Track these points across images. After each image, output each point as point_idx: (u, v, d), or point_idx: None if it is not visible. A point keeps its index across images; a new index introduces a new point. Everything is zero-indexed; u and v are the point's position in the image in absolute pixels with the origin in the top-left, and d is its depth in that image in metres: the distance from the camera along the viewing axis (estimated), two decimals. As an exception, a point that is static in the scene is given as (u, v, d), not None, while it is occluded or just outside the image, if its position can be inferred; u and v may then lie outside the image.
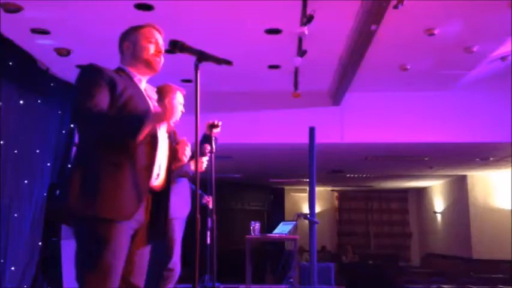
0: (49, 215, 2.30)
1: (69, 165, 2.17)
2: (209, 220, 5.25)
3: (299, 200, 14.97)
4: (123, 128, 2.08)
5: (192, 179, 3.23)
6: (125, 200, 2.09)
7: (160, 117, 2.14)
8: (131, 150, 2.13)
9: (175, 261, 3.38)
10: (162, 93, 3.26)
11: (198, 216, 2.25)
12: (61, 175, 6.05)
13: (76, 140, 6.25)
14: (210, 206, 4.80)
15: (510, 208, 10.50)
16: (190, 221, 3.08)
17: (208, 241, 5.36)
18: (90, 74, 2.18)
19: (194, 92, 2.21)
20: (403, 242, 15.07)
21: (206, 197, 4.84)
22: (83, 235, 2.09)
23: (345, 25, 4.77)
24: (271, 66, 5.99)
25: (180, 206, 3.43)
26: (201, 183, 2.34)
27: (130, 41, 2.36)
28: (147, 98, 2.30)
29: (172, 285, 3.35)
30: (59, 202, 2.17)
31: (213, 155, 3.43)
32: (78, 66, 5.46)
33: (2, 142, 4.95)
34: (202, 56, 2.26)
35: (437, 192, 13.56)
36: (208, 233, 5.36)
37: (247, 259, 5.33)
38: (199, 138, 2.25)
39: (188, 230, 3.40)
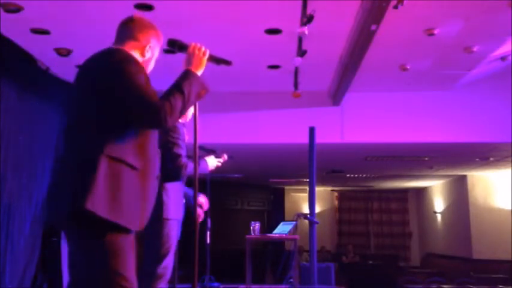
0: (52, 217, 2.02)
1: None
2: (209, 220, 5.27)
3: (299, 200, 14.95)
4: (194, 93, 2.04)
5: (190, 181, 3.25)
6: (144, 211, 1.99)
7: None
8: (151, 156, 2.03)
9: (169, 260, 3.41)
10: None
11: (197, 215, 2.25)
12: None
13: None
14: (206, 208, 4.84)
15: (510, 208, 10.49)
16: (190, 221, 3.09)
17: (208, 241, 5.37)
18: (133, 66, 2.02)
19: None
20: (403, 242, 15.04)
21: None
22: (102, 246, 1.86)
23: (345, 25, 4.77)
24: (271, 66, 5.98)
25: (175, 208, 3.46)
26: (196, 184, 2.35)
27: (153, 46, 2.21)
28: None
29: (164, 284, 3.37)
30: (71, 202, 1.82)
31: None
32: (79, 66, 5.46)
33: (2, 142, 4.94)
34: None
35: (437, 192, 13.55)
36: (208, 233, 5.37)
37: (247, 259, 5.33)
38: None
39: (188, 230, 3.44)
